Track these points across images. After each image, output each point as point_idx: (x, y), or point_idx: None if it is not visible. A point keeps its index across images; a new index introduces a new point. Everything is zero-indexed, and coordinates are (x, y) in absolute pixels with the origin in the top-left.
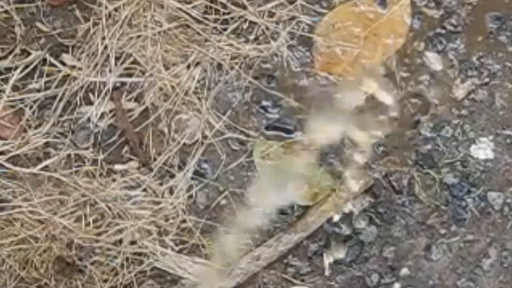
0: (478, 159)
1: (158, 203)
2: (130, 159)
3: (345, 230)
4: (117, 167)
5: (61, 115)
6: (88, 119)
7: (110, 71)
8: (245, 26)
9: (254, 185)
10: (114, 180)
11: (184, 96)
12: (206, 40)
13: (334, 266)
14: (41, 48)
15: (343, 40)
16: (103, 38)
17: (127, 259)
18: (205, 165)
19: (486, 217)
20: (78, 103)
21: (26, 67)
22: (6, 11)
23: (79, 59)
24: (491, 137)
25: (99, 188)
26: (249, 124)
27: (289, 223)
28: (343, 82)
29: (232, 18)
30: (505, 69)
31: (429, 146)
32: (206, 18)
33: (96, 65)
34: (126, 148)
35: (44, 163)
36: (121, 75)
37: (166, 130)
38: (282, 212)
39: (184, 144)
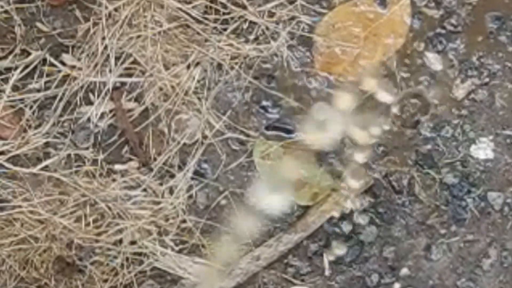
0: (478, 159)
1: (158, 203)
2: (130, 159)
3: (345, 230)
4: (117, 167)
5: (61, 115)
6: (88, 119)
7: (110, 71)
8: (245, 26)
9: (254, 185)
10: (114, 180)
11: (184, 96)
12: (206, 40)
13: (334, 266)
14: (41, 48)
15: (343, 40)
16: (103, 38)
17: (127, 259)
18: (205, 165)
19: (486, 217)
20: (78, 103)
21: (26, 67)
22: (6, 11)
23: (79, 59)
24: (491, 137)
25: (99, 188)
26: (249, 124)
27: (289, 223)
28: (343, 82)
29: (232, 18)
30: (505, 69)
31: (429, 146)
32: (206, 18)
33: (96, 65)
34: (126, 148)
35: (44, 163)
36: (121, 75)
37: (166, 130)
38: (282, 212)
39: (184, 144)
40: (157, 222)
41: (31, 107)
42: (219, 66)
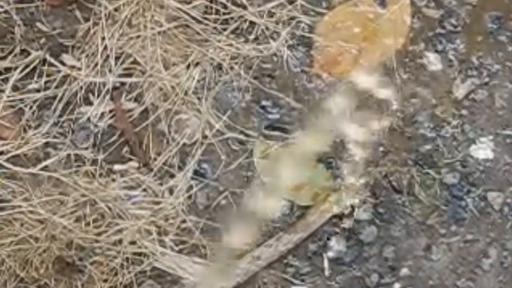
0: (478, 159)
1: (158, 203)
2: (130, 159)
3: (345, 231)
4: (117, 167)
5: (61, 115)
6: (88, 119)
7: (110, 71)
8: (245, 26)
9: (254, 185)
10: (114, 180)
11: (184, 96)
12: (206, 40)
13: (334, 266)
14: (41, 48)
15: (343, 40)
16: (103, 38)
17: (127, 259)
18: (205, 165)
19: (486, 217)
20: (78, 103)
21: (26, 67)
22: (6, 11)
23: (79, 59)
24: (491, 137)
25: (99, 188)
26: (249, 124)
27: (289, 223)
28: (343, 82)
29: (232, 18)
30: (505, 69)
31: (429, 146)
32: (206, 18)
33: (96, 65)
34: (126, 148)
35: (44, 163)
36: (120, 75)
37: (166, 130)
38: (282, 212)
39: (184, 144)
40: (157, 222)
41: (31, 107)
42: (219, 66)
